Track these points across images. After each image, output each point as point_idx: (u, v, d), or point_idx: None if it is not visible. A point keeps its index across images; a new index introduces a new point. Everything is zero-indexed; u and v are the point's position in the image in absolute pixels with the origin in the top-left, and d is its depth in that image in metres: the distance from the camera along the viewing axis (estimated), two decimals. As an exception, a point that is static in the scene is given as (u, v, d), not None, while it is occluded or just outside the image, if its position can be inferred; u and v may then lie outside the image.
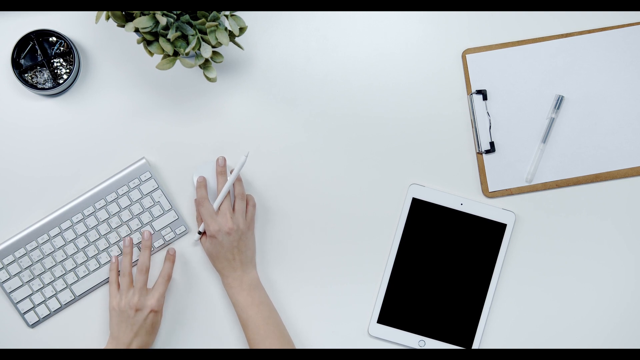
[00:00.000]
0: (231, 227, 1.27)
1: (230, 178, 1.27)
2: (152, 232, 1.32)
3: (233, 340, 1.33)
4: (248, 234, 1.30)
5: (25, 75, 1.32)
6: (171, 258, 1.30)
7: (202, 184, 1.29)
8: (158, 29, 1.19)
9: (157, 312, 1.26)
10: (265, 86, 1.35)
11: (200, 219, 1.31)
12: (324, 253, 1.34)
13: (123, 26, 1.21)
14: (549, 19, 1.35)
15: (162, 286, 1.27)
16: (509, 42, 1.34)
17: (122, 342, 1.25)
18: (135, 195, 1.32)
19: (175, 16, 1.19)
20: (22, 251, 1.31)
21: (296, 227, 1.34)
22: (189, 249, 1.33)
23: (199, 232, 1.31)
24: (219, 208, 1.28)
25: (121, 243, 1.32)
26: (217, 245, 1.28)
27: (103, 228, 1.32)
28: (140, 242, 1.31)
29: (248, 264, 1.30)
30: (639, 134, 1.34)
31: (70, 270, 1.32)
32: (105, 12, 1.19)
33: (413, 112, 1.35)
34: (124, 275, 1.28)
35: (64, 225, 1.31)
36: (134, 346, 1.25)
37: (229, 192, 1.28)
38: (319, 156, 1.34)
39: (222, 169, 1.30)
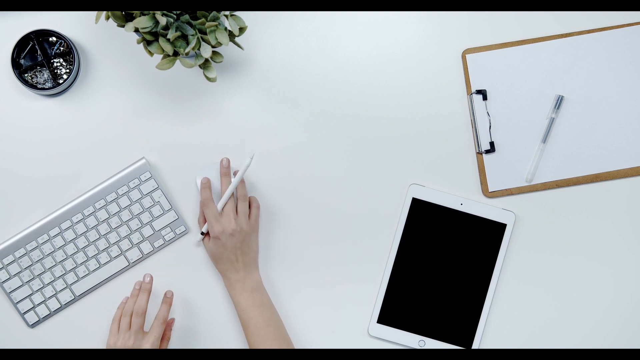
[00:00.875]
0: (234, 228, 1.27)
1: (235, 180, 1.27)
2: (152, 275, 1.31)
3: (233, 341, 1.33)
4: (252, 236, 1.29)
5: (25, 75, 1.32)
6: (168, 301, 1.28)
7: (207, 185, 1.29)
8: (158, 29, 1.19)
9: None
10: (265, 86, 1.34)
11: (203, 220, 1.31)
12: (324, 253, 1.34)
13: (123, 26, 1.21)
14: (549, 19, 1.35)
15: (157, 329, 1.25)
16: (509, 42, 1.34)
17: None
18: (135, 195, 1.32)
19: (175, 16, 1.19)
20: (22, 251, 1.31)
21: (296, 227, 1.34)
22: (190, 249, 1.33)
23: (202, 233, 1.31)
24: (222, 209, 1.28)
25: (122, 243, 1.32)
26: (220, 246, 1.28)
27: (103, 228, 1.32)
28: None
29: (251, 266, 1.30)
30: (639, 134, 1.34)
31: (70, 270, 1.32)
32: (105, 12, 1.19)
33: (413, 112, 1.34)
34: (125, 316, 1.27)
35: (64, 225, 1.31)
36: None
37: (232, 194, 1.28)
38: (319, 156, 1.34)
39: (226, 170, 1.29)
